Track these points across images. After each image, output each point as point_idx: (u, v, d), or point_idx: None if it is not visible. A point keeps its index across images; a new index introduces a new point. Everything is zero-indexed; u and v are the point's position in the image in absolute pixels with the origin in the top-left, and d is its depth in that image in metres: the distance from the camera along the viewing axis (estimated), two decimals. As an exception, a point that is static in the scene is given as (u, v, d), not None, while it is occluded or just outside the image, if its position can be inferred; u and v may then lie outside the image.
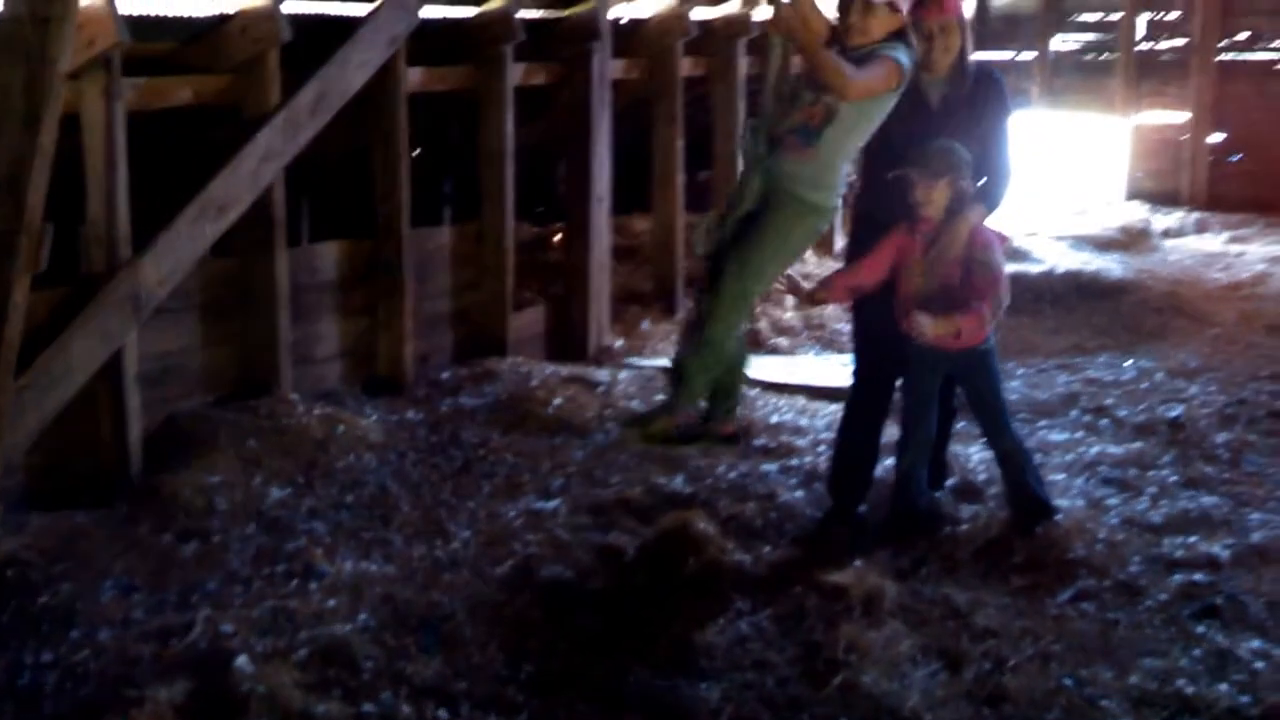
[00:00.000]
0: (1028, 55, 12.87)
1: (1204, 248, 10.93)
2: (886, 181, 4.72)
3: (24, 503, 4.69)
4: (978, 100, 4.82)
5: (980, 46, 12.57)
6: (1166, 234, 11.38)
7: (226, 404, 5.56)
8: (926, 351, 4.79)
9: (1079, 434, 6.18)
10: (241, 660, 3.69)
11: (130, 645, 3.84)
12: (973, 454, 5.59)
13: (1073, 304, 8.75)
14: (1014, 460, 4.91)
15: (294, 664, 3.74)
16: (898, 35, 4.52)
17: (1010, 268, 5.30)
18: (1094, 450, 5.92)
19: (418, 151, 7.65)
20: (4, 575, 4.15)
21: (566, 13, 7.20)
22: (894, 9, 4.50)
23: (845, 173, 4.72)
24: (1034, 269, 9.20)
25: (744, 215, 4.57)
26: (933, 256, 4.71)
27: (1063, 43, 12.88)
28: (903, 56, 4.47)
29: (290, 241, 5.85)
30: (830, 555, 4.64)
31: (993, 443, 4.99)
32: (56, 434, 4.78)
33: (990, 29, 12.57)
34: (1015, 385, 6.89)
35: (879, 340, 4.93)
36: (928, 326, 4.63)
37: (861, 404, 5.05)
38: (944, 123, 4.75)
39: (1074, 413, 6.51)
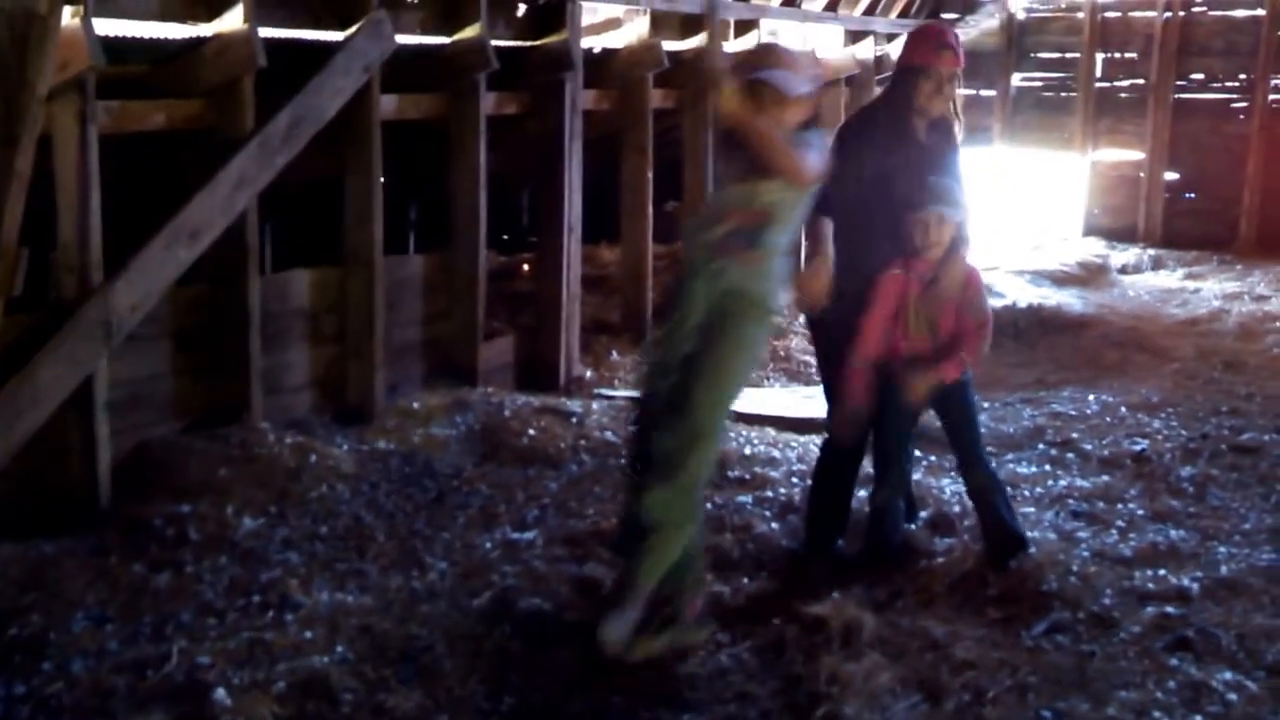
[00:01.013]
0: (989, 92, 13.05)
1: (1161, 284, 11.10)
2: (878, 227, 4.76)
3: (-10, 532, 4.62)
4: (941, 142, 4.94)
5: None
6: (1124, 270, 11.56)
7: (197, 432, 5.50)
8: (904, 390, 4.82)
9: (1046, 467, 6.23)
10: (219, 693, 3.65)
11: (105, 677, 3.78)
12: (946, 487, 5.62)
13: (1034, 338, 8.84)
14: (988, 493, 4.94)
15: (272, 696, 3.69)
16: (807, 124, 4.28)
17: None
18: (1062, 483, 5.97)
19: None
20: (-28, 606, 4.08)
21: (539, 42, 7.21)
22: (808, 103, 4.26)
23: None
24: (996, 303, 9.26)
25: (691, 329, 4.19)
26: (929, 297, 4.75)
27: (1023, 80, 13.07)
28: (823, 146, 4.28)
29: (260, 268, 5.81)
30: (808, 588, 4.65)
31: (967, 475, 5.01)
32: (25, 462, 4.70)
33: (951, 66, 12.75)
34: (981, 419, 6.81)
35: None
36: (921, 388, 4.71)
37: (838, 444, 5.05)
38: (927, 167, 4.83)
39: (1040, 446, 6.56)
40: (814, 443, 5.92)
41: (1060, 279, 10.57)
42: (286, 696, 3.72)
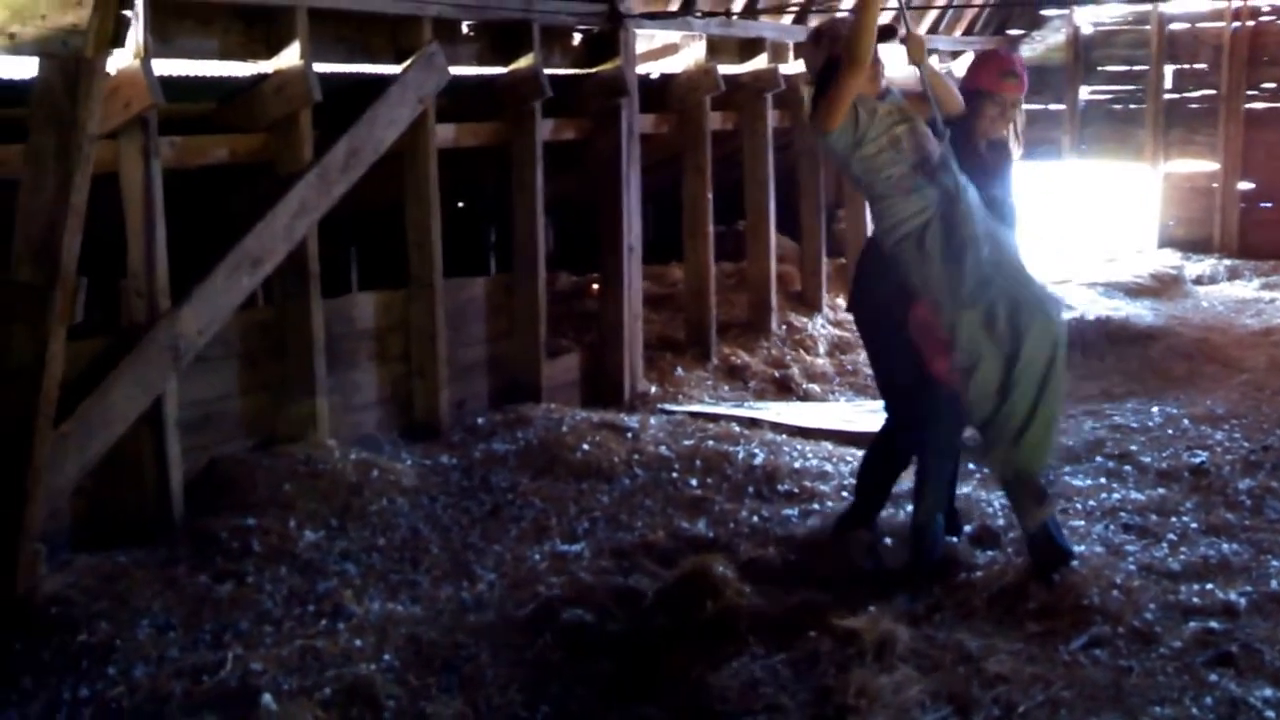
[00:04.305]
0: (1057, 106, 12.98)
1: (1236, 294, 10.93)
2: None
3: (70, 544, 4.88)
4: (998, 160, 5.13)
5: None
6: (1199, 281, 11.40)
7: (266, 449, 5.73)
8: (953, 400, 4.89)
9: (1102, 480, 6.20)
10: (266, 698, 3.82)
11: (163, 682, 3.97)
12: (993, 500, 5.65)
13: (1102, 350, 8.77)
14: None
15: (317, 702, 3.85)
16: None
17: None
18: (1116, 496, 5.94)
19: (461, 204, 7.89)
20: (48, 613, 4.32)
21: (594, 70, 7.39)
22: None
23: None
24: (1064, 315, 9.23)
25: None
26: None
27: (1091, 93, 12.98)
28: None
29: (341, 290, 6.05)
30: (847, 601, 4.70)
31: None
32: (101, 478, 4.98)
33: (1020, 81, 12.71)
34: (1041, 431, 6.93)
35: (903, 387, 5.06)
36: None
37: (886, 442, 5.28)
38: (985, 183, 4.98)
39: (1098, 459, 6.52)
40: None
41: (1133, 291, 10.47)
42: (331, 702, 3.87)
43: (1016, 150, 5.30)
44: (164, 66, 4.95)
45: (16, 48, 4.11)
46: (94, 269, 4.56)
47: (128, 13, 3.98)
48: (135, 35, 4.53)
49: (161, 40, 4.93)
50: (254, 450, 5.73)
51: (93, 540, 4.94)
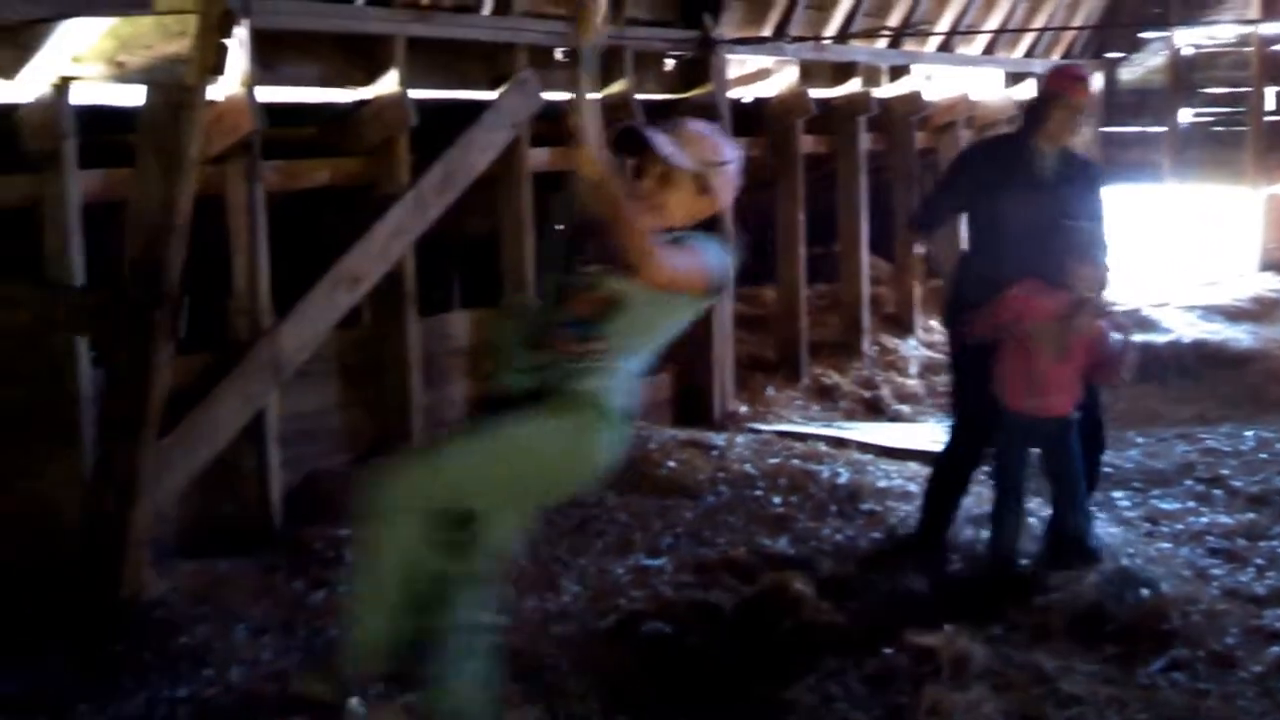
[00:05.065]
0: (1157, 129, 12.82)
1: (1338, 318, 10.71)
2: (1005, 246, 5.01)
3: (174, 550, 5.07)
4: (1079, 180, 5.15)
5: (1109, 121, 12.53)
6: (1300, 304, 11.19)
7: (363, 462, 5.91)
8: (1012, 417, 4.93)
9: (1190, 503, 6.16)
10: (353, 702, 3.93)
11: (256, 684, 4.13)
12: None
13: (1198, 373, 8.69)
14: (1074, 539, 5.06)
15: (401, 706, 3.95)
16: (708, 225, 3.37)
17: (1136, 336, 5.49)
18: (1204, 520, 5.90)
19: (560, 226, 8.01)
20: (150, 616, 4.52)
21: (686, 95, 7.52)
22: (704, 189, 3.33)
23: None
24: (1160, 338, 9.16)
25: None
26: (1060, 329, 4.86)
27: (1191, 116, 12.81)
28: (715, 258, 3.31)
29: (440, 309, 6.23)
30: (924, 619, 4.73)
31: (1060, 521, 5.14)
32: (205, 487, 5.19)
33: (1119, 103, 12.59)
34: (1132, 454, 6.91)
35: (978, 406, 5.13)
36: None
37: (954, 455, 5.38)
38: (1055, 197, 5.01)
39: (1188, 482, 6.48)
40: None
41: (1232, 314, 10.31)
42: (416, 707, 4.02)
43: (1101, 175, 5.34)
44: (267, 93, 5.17)
45: (124, 76, 4.37)
46: (200, 287, 4.78)
47: (228, 42, 4.20)
48: (239, 63, 4.74)
49: (264, 68, 5.13)
50: (351, 463, 5.91)
51: (195, 547, 5.15)
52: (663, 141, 3.29)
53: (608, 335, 3.30)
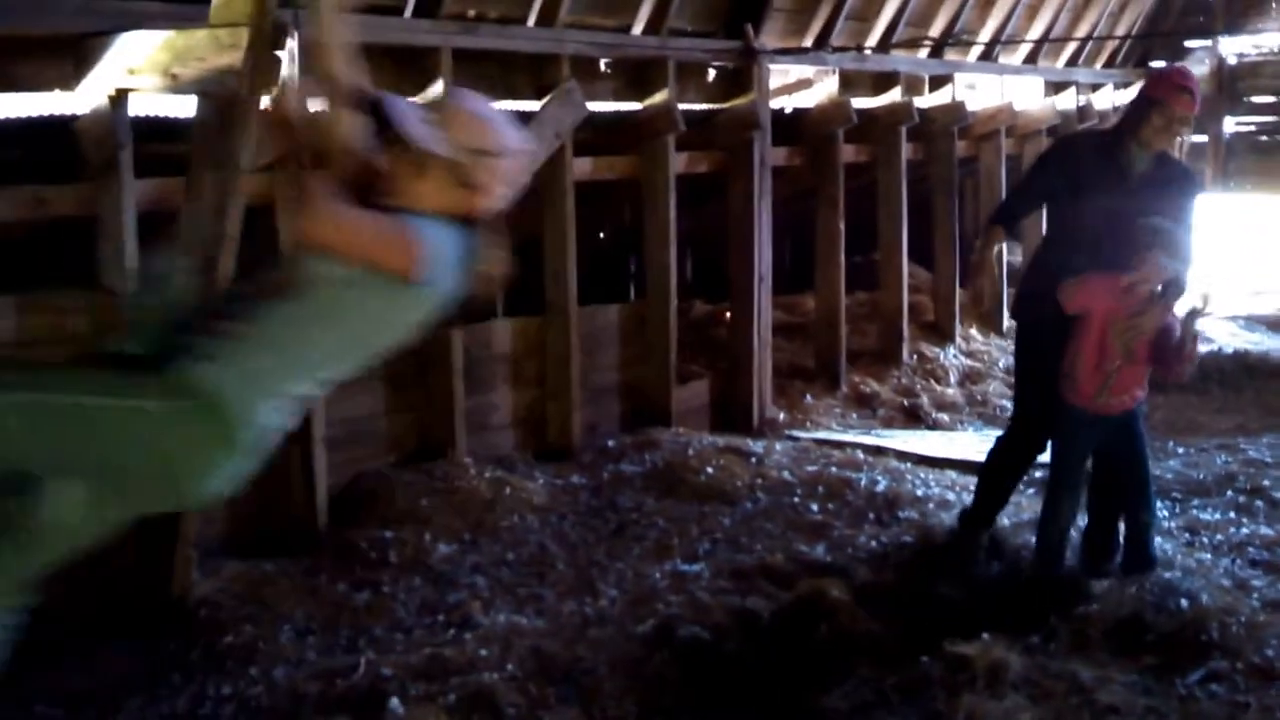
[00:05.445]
0: (1201, 138, 12.75)
1: (1384, 328, 10.64)
2: (1082, 242, 4.98)
3: (221, 551, 5.19)
4: (1170, 184, 5.08)
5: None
6: (1345, 314, 11.12)
7: (406, 466, 6.01)
8: (1079, 413, 4.94)
9: (1231, 514, 6.13)
10: (394, 702, 4.02)
11: (300, 683, 4.22)
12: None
13: (1241, 384, 8.65)
14: (1146, 532, 5.03)
15: (442, 707, 4.04)
16: (463, 221, 2.88)
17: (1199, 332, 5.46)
18: (1245, 531, 5.87)
19: (602, 235, 8.13)
20: (198, 615, 4.63)
21: (728, 105, 7.58)
22: (463, 181, 2.85)
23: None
24: (1201, 348, 9.10)
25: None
26: (1131, 326, 4.85)
27: (1236, 125, 12.73)
28: (436, 243, 2.79)
29: (482, 317, 6.33)
30: (961, 627, 4.75)
31: (1131, 514, 5.10)
32: (253, 489, 5.23)
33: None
34: (1173, 465, 6.89)
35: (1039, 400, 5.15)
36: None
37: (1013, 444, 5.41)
38: (1139, 197, 4.97)
39: (1229, 493, 6.44)
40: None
41: (1275, 324, 10.28)
42: (455, 708, 4.06)
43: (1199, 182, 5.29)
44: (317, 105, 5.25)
45: (178, 88, 4.47)
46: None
47: (279, 54, 4.30)
48: (290, 75, 4.82)
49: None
50: (395, 466, 6.01)
51: (242, 548, 5.26)
52: (413, 119, 2.83)
53: (270, 321, 2.74)
